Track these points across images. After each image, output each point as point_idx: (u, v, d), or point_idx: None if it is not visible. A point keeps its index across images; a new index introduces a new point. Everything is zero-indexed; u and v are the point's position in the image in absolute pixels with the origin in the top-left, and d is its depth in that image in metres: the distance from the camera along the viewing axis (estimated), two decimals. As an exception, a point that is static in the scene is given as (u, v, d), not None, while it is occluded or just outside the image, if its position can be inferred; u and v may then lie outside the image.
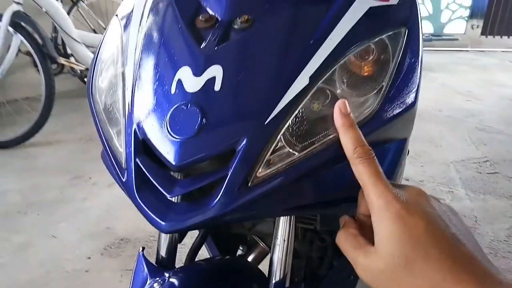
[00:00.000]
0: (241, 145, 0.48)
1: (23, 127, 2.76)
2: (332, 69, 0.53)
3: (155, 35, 0.59)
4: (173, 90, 0.52)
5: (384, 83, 0.54)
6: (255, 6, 0.58)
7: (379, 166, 0.46)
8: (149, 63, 0.57)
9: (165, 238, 0.71)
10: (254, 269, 0.79)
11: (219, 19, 0.58)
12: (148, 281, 0.66)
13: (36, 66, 2.72)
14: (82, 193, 2.31)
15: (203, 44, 0.54)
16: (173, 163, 0.48)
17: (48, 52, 2.70)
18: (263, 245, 1.01)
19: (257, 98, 0.51)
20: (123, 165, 0.53)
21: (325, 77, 0.52)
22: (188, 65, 0.53)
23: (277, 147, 0.51)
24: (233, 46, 0.54)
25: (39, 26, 2.70)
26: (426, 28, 7.03)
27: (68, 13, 3.42)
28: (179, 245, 0.73)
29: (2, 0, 2.71)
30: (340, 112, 0.49)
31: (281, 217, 0.66)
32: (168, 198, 0.49)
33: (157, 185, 0.49)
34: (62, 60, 2.98)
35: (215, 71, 0.51)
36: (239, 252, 1.17)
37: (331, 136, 0.51)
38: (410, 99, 0.55)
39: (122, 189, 0.54)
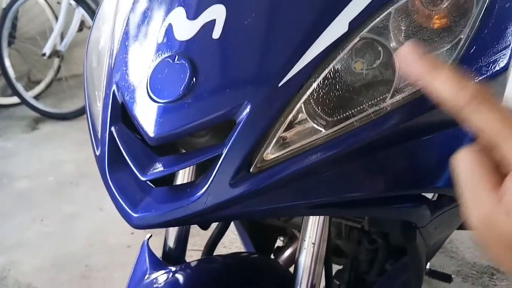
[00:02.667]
0: (243, 114, 0.35)
1: (83, 100, 2.82)
2: (385, 13, 0.37)
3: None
4: (160, 39, 0.39)
5: (463, 35, 0.37)
6: None
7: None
8: (141, 7, 0.44)
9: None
10: (279, 270, 0.66)
11: None
12: (147, 276, 0.55)
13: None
14: (133, 168, 2.30)
15: None
16: (150, 134, 0.36)
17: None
18: None
19: (269, 51, 0.36)
20: (99, 135, 0.41)
21: (373, 23, 0.36)
22: (182, 6, 0.39)
23: (296, 120, 0.36)
24: None
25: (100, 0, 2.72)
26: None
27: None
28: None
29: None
30: (416, 54, 0.31)
31: (309, 214, 0.51)
32: (141, 179, 0.36)
33: (129, 161, 0.37)
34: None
35: (216, 13, 0.37)
36: (280, 243, 1.04)
37: (376, 108, 0.36)
38: (501, 58, 0.38)
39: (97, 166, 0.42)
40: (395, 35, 0.37)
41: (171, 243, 0.60)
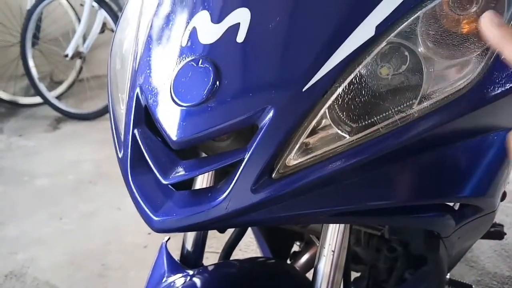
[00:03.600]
0: (266, 118, 0.34)
1: (104, 101, 2.86)
2: (413, 17, 0.36)
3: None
4: (184, 42, 0.39)
5: None
6: None
7: None
8: (165, 10, 0.44)
9: (192, 229, 0.59)
10: (297, 276, 0.65)
11: None
12: (164, 279, 0.55)
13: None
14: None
15: None
16: (173, 137, 0.36)
17: (130, 29, 2.74)
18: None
19: (294, 55, 0.35)
20: (122, 137, 0.42)
21: (401, 27, 0.36)
22: (207, 9, 0.39)
23: (320, 126, 0.36)
24: None
25: (122, 2, 2.75)
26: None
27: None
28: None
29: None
30: (497, 22, 0.34)
31: (329, 221, 0.50)
32: (163, 183, 0.36)
33: (151, 164, 0.37)
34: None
35: (240, 16, 0.37)
36: (296, 248, 1.03)
37: (403, 115, 0.35)
38: None
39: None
40: (423, 40, 0.37)
41: (189, 246, 0.60)
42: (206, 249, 0.64)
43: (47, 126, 2.71)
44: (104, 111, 2.86)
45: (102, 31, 2.85)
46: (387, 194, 0.38)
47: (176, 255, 0.62)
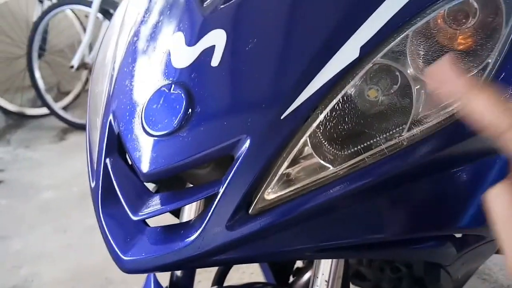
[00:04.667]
0: (242, 149, 0.31)
1: (110, 111, 2.87)
2: (401, 36, 0.33)
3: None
4: (158, 66, 0.36)
5: (490, 60, 0.33)
6: None
7: None
8: (142, 30, 0.42)
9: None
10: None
11: None
12: (152, 309, 0.53)
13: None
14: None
15: (207, 2, 0.38)
16: (143, 170, 0.33)
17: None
18: None
19: (272, 79, 0.33)
20: (95, 166, 0.39)
21: (388, 48, 0.33)
22: (181, 31, 0.37)
23: (302, 155, 0.33)
24: (245, 2, 0.36)
25: (127, 13, 2.76)
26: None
27: None
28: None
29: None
30: (452, 71, 0.27)
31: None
32: (133, 219, 0.34)
33: (121, 198, 0.34)
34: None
35: (215, 38, 0.34)
36: (300, 264, 1.00)
37: (391, 143, 0.32)
38: None
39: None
40: (413, 60, 0.34)
41: (178, 271, 0.58)
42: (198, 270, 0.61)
43: (53, 137, 2.72)
44: (110, 121, 2.86)
45: (108, 41, 2.85)
46: (378, 227, 0.34)
47: (166, 280, 0.59)
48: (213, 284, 0.68)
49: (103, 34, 2.79)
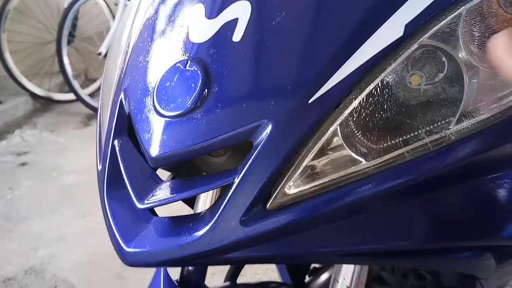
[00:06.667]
0: (262, 135, 0.28)
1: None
2: (453, 14, 0.28)
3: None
4: (174, 41, 0.33)
5: None
6: None
7: None
8: (160, 5, 0.38)
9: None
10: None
11: None
12: (160, 304, 0.50)
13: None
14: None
15: None
16: (151, 153, 0.30)
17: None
18: None
19: (300, 58, 0.29)
20: (103, 148, 0.36)
21: (437, 26, 0.28)
22: (202, 2, 0.33)
23: (330, 146, 0.29)
24: None
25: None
26: None
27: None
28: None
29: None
30: None
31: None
32: (138, 207, 0.30)
33: (127, 184, 0.31)
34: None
35: (239, 10, 0.31)
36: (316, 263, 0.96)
37: (436, 137, 0.28)
38: None
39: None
40: (465, 43, 0.29)
41: (190, 264, 0.55)
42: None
43: (78, 123, 2.76)
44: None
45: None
46: (411, 234, 0.30)
47: (176, 274, 0.56)
48: (226, 280, 0.64)
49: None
